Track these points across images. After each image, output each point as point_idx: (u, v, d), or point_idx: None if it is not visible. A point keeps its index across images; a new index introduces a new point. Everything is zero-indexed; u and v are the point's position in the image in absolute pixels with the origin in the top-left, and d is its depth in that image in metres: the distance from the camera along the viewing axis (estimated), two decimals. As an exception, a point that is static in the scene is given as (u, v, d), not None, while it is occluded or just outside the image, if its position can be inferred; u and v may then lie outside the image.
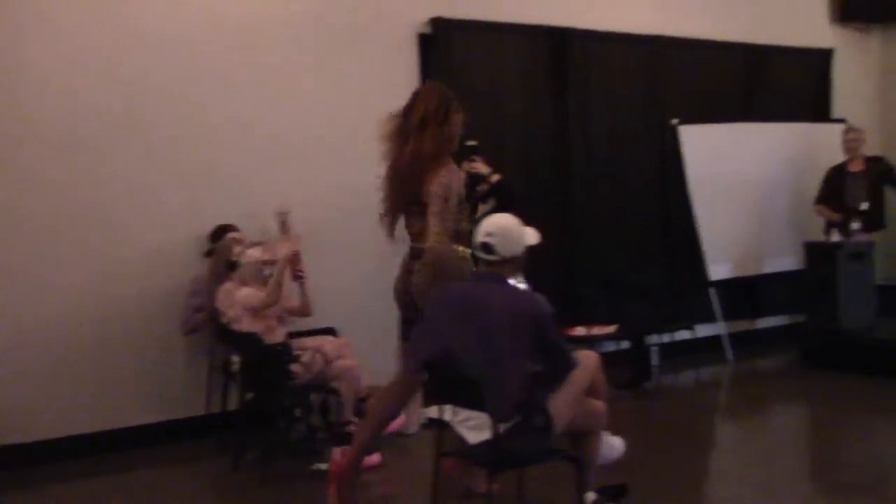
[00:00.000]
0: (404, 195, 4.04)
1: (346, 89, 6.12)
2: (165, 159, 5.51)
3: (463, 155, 5.98)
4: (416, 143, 3.97)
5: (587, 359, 3.57)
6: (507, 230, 3.44)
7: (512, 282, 3.70)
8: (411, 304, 4.04)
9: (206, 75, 5.64)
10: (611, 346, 6.84)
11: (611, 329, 6.45)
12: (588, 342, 6.47)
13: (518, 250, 3.43)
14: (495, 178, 5.92)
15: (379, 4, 6.26)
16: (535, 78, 6.88)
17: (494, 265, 3.45)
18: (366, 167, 6.21)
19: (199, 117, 5.62)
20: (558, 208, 6.94)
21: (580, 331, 6.36)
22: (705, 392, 6.78)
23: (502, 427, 3.27)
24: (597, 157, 7.12)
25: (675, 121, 7.36)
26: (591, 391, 3.57)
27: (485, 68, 6.62)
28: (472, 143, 5.99)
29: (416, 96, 4.12)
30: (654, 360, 6.69)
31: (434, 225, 3.88)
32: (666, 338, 6.91)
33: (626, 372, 6.59)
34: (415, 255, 4.08)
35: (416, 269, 4.00)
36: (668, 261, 7.45)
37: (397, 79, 6.29)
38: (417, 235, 4.08)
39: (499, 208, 4.94)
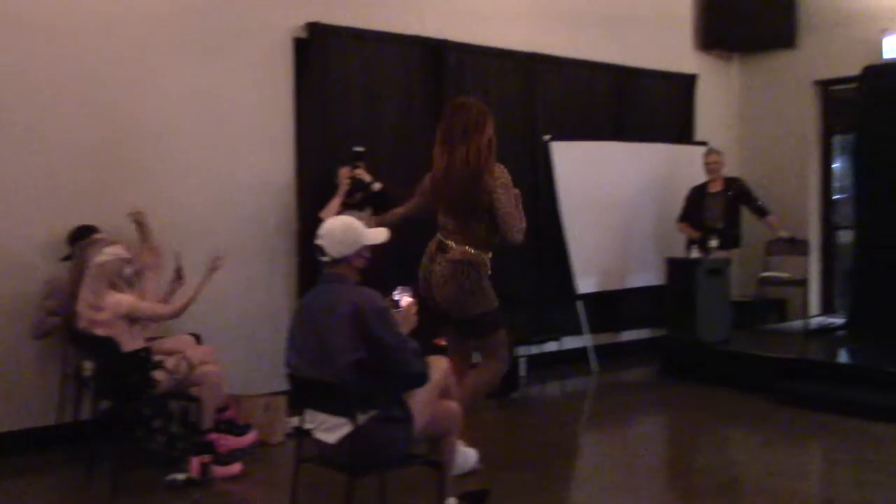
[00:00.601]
0: (455, 196, 4.45)
1: (220, 90, 5.99)
2: (19, 157, 5.24)
3: (347, 160, 5.97)
4: (464, 157, 4.40)
5: (439, 362, 3.65)
6: (332, 232, 3.51)
7: (398, 293, 3.78)
8: (429, 294, 4.48)
9: (70, 70, 5.40)
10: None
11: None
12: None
13: (347, 250, 3.47)
14: (377, 186, 5.93)
15: (256, 7, 6.16)
16: (411, 88, 6.90)
17: (328, 266, 3.51)
18: (240, 170, 6.17)
19: (59, 114, 5.37)
20: (431, 217, 6.95)
21: (449, 340, 6.37)
22: (570, 402, 6.92)
23: (360, 420, 3.28)
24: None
25: (547, 137, 7.53)
26: (444, 394, 3.65)
27: (361, 76, 6.60)
28: (359, 149, 5.98)
29: (454, 111, 4.53)
30: (522, 370, 6.80)
31: (512, 224, 4.38)
32: (534, 349, 7.03)
33: (495, 382, 6.67)
34: (442, 249, 4.49)
35: (440, 262, 4.45)
36: (537, 273, 7.59)
37: (272, 81, 6.23)
38: (451, 232, 4.50)
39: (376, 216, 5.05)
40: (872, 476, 4.63)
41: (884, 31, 8.02)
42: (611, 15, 8.15)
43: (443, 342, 6.32)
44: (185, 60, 5.86)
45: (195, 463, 4.57)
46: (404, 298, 3.93)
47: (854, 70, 7.93)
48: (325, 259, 3.50)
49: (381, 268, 4.03)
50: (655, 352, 7.63)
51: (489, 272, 4.53)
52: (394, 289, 4.01)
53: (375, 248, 3.60)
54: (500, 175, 4.43)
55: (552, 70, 7.70)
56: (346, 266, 3.50)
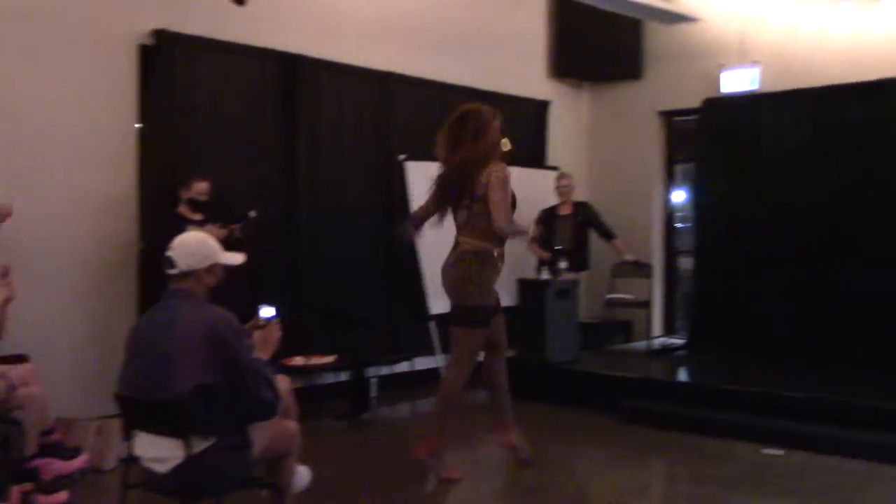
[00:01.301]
0: (456, 191, 4.81)
1: (62, 95, 5.65)
2: None
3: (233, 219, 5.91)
4: (468, 150, 4.80)
5: (279, 382, 3.49)
6: (185, 243, 3.35)
7: (263, 311, 3.55)
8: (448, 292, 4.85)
9: None
10: (330, 377, 6.77)
11: (330, 359, 6.38)
12: (307, 372, 6.37)
13: (198, 264, 3.29)
14: (253, 213, 5.92)
15: (101, 12, 5.86)
16: (263, 102, 6.75)
17: (176, 280, 3.30)
18: (79, 184, 5.82)
19: None
20: (283, 236, 6.81)
21: (298, 360, 6.23)
22: (421, 423, 6.84)
23: (196, 447, 3.09)
24: (323, 186, 7.08)
25: (402, 156, 7.50)
26: (283, 413, 3.52)
27: (210, 87, 6.40)
28: (252, 214, 5.95)
29: (464, 116, 4.92)
30: (373, 391, 6.71)
31: (499, 213, 4.70)
32: (385, 369, 6.95)
33: (345, 403, 6.55)
34: (455, 244, 4.85)
35: (450, 256, 4.84)
36: (390, 293, 7.53)
37: (113, 90, 5.93)
38: (461, 228, 4.86)
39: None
40: (708, 490, 4.78)
41: (721, 67, 8.46)
42: (467, 39, 8.24)
43: (295, 361, 6.18)
44: (14, 65, 5.49)
45: (15, 492, 4.23)
46: (267, 318, 3.65)
47: (695, 102, 8.33)
48: (173, 272, 3.28)
49: (235, 289, 3.89)
50: (509, 373, 7.66)
51: (498, 265, 4.91)
52: (254, 307, 3.76)
53: (230, 271, 3.43)
54: (498, 170, 4.79)
55: (408, 90, 7.70)
56: (196, 281, 3.29)
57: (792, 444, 5.55)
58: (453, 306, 4.90)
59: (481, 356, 5.17)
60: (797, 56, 8.05)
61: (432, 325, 7.53)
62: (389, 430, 6.48)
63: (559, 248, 7.60)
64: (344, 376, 6.74)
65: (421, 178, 7.52)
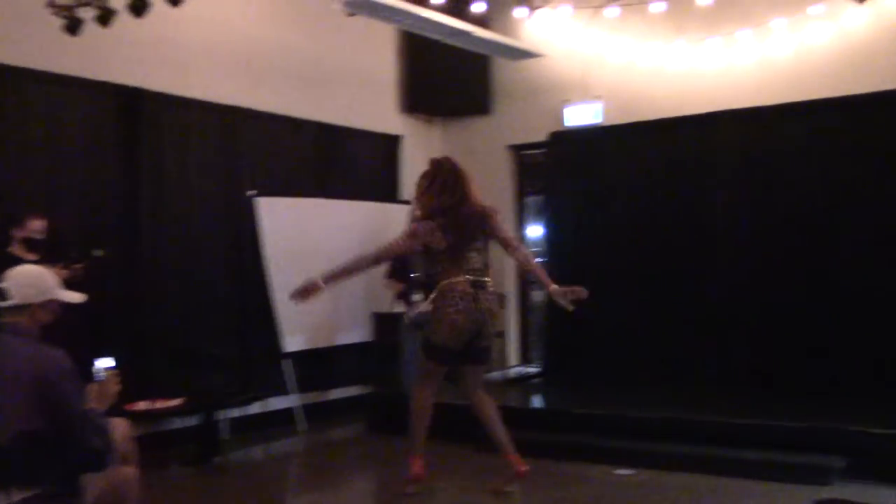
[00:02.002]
0: (474, 233, 5.03)
1: None
2: None
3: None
4: (472, 199, 5.04)
5: (117, 426, 3.28)
6: (21, 274, 3.13)
7: (100, 363, 3.28)
8: (480, 331, 5.01)
9: None
10: (178, 422, 6.47)
11: (176, 402, 6.09)
12: (152, 417, 6.07)
13: (34, 298, 3.07)
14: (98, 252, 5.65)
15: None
16: (103, 137, 6.48)
17: (7, 313, 3.06)
18: None
19: None
20: (125, 274, 6.51)
21: (143, 405, 5.92)
22: (276, 464, 6.65)
23: (15, 498, 2.84)
24: (169, 223, 6.84)
25: (251, 192, 7.34)
26: (120, 459, 3.30)
27: (45, 121, 6.09)
28: (98, 252, 5.63)
29: (454, 166, 5.16)
30: (225, 433, 6.45)
31: (524, 249, 5.27)
32: (237, 411, 6.70)
33: (194, 447, 6.27)
34: (479, 286, 4.98)
35: (487, 298, 5.00)
36: (242, 332, 7.31)
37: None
38: (481, 269, 5.03)
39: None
40: (562, 513, 4.82)
41: (566, 102, 8.74)
42: (316, 74, 8.19)
43: (138, 406, 5.87)
44: None
45: None
46: (105, 369, 3.36)
47: (542, 136, 8.56)
48: (4, 304, 3.03)
49: (74, 333, 3.65)
50: (364, 408, 7.58)
51: None
52: (94, 352, 3.47)
53: (68, 313, 3.20)
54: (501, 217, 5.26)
55: (257, 124, 7.57)
56: (29, 316, 3.05)
57: (643, 463, 5.68)
58: (487, 345, 5.18)
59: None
60: (635, 91, 8.41)
61: (287, 362, 7.36)
62: (242, 474, 6.24)
63: (415, 275, 7.60)
64: (193, 420, 6.46)
65: (272, 214, 7.41)
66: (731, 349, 7.19)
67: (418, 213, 5.32)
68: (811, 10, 7.56)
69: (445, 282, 4.98)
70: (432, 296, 5.10)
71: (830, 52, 7.56)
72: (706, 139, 7.48)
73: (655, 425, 6.05)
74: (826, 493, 4.83)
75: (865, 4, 7.22)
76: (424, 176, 5.16)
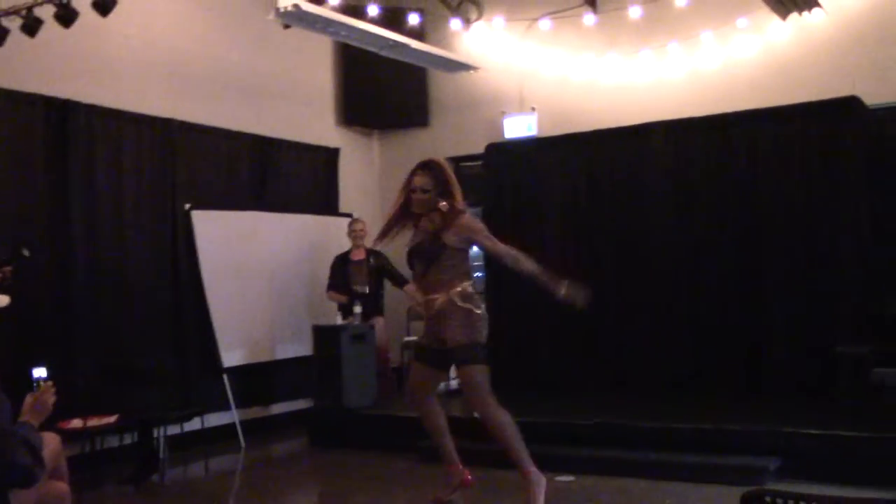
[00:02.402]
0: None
1: None
2: None
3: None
4: (451, 203, 4.72)
5: (48, 441, 3.20)
6: None
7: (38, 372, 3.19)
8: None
9: None
10: (114, 440, 6.34)
11: (111, 419, 5.96)
12: (86, 435, 5.93)
13: None
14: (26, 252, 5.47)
15: None
16: (30, 148, 6.32)
17: None
18: None
19: None
20: (56, 285, 6.36)
21: (76, 423, 5.78)
22: (217, 482, 6.55)
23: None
24: (102, 236, 6.72)
25: (187, 205, 7.25)
26: (53, 474, 3.22)
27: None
28: (26, 253, 5.45)
29: (435, 169, 4.77)
30: (162, 451, 6.34)
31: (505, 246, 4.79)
32: (175, 427, 6.59)
33: (131, 465, 6.14)
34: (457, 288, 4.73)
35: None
36: (179, 347, 7.20)
37: None
38: (467, 273, 4.83)
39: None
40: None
41: (504, 114, 8.83)
42: (252, 86, 8.15)
43: (72, 424, 5.73)
44: None
45: None
46: (40, 380, 3.26)
47: (480, 148, 8.61)
48: None
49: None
50: (307, 423, 7.52)
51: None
52: (22, 363, 3.36)
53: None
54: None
55: (191, 137, 7.49)
56: None
57: (582, 469, 5.74)
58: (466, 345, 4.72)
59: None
60: (570, 103, 8.54)
61: (226, 378, 7.27)
62: (181, 492, 6.12)
63: (358, 290, 7.60)
64: (130, 438, 6.33)
65: (209, 227, 7.33)
66: (665, 356, 7.30)
67: (449, 207, 4.77)
68: (739, 22, 7.79)
69: (468, 283, 4.77)
70: (458, 298, 4.69)
71: (757, 64, 7.79)
72: (639, 150, 7.61)
73: (593, 431, 6.12)
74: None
75: (788, 20, 7.47)
76: (442, 171, 4.78)
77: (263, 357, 7.73)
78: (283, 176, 8.38)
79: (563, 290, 4.74)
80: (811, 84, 7.31)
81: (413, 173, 4.80)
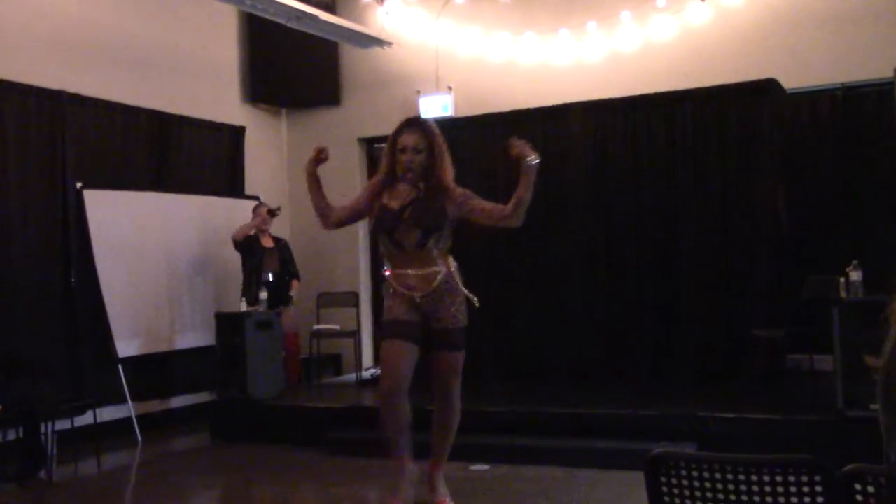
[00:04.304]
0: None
1: None
2: None
3: None
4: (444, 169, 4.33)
5: None
6: None
7: None
8: None
9: None
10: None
11: (-6, 412, 5.76)
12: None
13: None
14: None
15: None
16: None
17: None
18: None
19: None
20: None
21: (-46, 417, 5.57)
22: (110, 479, 6.38)
23: None
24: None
25: (79, 184, 7.04)
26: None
27: None
28: None
29: (425, 126, 4.37)
30: (51, 446, 6.14)
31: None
32: (65, 422, 6.39)
33: (16, 461, 5.94)
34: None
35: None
36: (70, 336, 6.98)
37: None
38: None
39: None
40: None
41: (419, 93, 8.82)
42: (152, 58, 7.95)
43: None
44: None
45: None
46: None
47: (393, 128, 8.56)
48: None
49: None
50: (209, 416, 7.40)
51: (390, 289, 4.48)
52: None
53: None
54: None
55: (84, 111, 7.27)
56: None
57: (498, 458, 5.79)
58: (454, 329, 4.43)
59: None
60: (487, 83, 8.59)
61: (121, 369, 7.10)
62: (71, 490, 5.95)
63: (267, 277, 7.54)
64: (15, 433, 6.12)
65: (102, 208, 7.13)
66: (580, 341, 7.43)
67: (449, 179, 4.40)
68: (659, 1, 7.95)
69: (451, 258, 4.47)
70: (453, 273, 4.43)
71: (676, 46, 7.97)
72: (557, 131, 7.71)
73: (509, 419, 6.19)
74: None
75: (707, 1, 7.66)
76: (433, 129, 4.41)
77: (162, 347, 7.58)
78: (184, 155, 8.21)
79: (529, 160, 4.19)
80: (729, 66, 7.52)
81: (399, 132, 4.36)
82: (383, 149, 4.45)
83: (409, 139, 4.31)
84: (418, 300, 4.34)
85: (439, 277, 4.35)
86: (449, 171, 4.38)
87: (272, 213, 7.81)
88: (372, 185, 4.52)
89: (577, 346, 7.47)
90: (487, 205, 4.37)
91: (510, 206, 4.27)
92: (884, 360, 1.88)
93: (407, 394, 4.47)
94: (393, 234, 4.33)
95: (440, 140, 4.37)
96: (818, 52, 7.45)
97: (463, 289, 4.46)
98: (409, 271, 4.36)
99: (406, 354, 4.39)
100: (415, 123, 4.42)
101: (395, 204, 4.33)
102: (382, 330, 4.54)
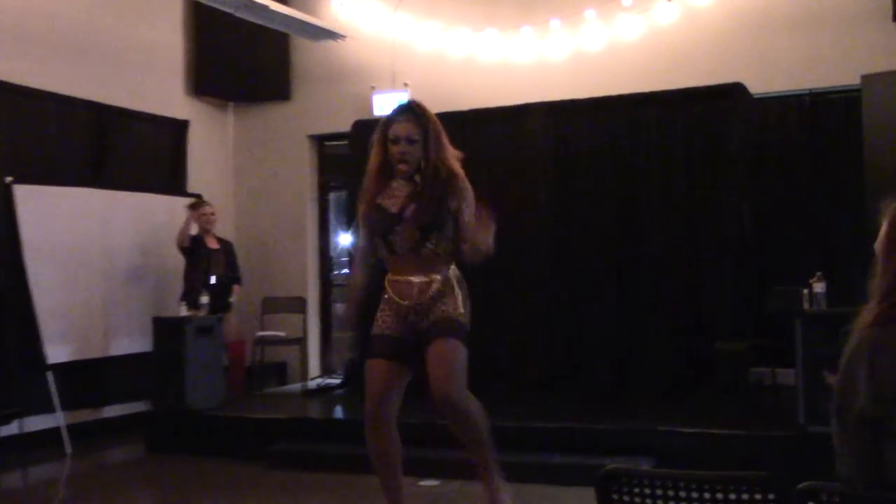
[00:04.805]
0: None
1: None
2: None
3: None
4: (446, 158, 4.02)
5: None
6: None
7: None
8: None
9: None
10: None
11: None
12: None
13: None
14: None
15: None
16: None
17: None
18: None
19: None
20: None
21: None
22: (35, 492, 6.30)
23: None
24: None
25: (8, 179, 6.94)
26: None
27: None
28: None
29: (420, 112, 4.00)
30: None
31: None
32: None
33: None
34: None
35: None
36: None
37: None
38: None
39: None
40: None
41: (373, 89, 8.82)
42: (90, 46, 7.86)
43: None
44: None
45: None
46: None
47: (346, 126, 8.57)
48: None
49: None
50: (144, 427, 7.32)
51: (385, 294, 4.08)
52: None
53: None
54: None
55: (15, 101, 7.18)
56: None
57: (449, 473, 5.78)
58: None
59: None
60: (446, 80, 8.61)
61: (50, 376, 6.99)
62: (-6, 503, 5.87)
63: (211, 280, 7.51)
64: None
65: (33, 204, 7.03)
66: (538, 351, 7.47)
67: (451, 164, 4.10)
68: (625, 0, 8.03)
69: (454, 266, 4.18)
70: (454, 277, 4.14)
71: (642, 47, 8.06)
72: (518, 132, 7.76)
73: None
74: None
75: (673, 1, 7.76)
76: (429, 115, 4.07)
77: (95, 353, 7.49)
78: (123, 149, 8.13)
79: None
80: (696, 69, 7.62)
81: (391, 121, 4.02)
82: (371, 142, 4.05)
83: (401, 128, 3.96)
84: (406, 309, 4.01)
85: (435, 286, 4.02)
86: (450, 156, 4.04)
87: (194, 206, 7.76)
88: (366, 192, 4.08)
89: (536, 357, 7.51)
90: (467, 234, 4.03)
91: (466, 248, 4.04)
92: (838, 376, 1.93)
93: (393, 421, 4.18)
94: (388, 237, 3.99)
95: (436, 126, 4.03)
96: (786, 57, 7.59)
97: (461, 292, 4.13)
98: (405, 278, 4.02)
99: (387, 374, 4.07)
100: (407, 110, 4.06)
101: (389, 203, 3.99)
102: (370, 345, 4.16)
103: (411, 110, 4.04)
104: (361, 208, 4.10)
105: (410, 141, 3.94)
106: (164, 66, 8.76)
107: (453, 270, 4.13)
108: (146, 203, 8.10)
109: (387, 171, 4.02)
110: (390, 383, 4.08)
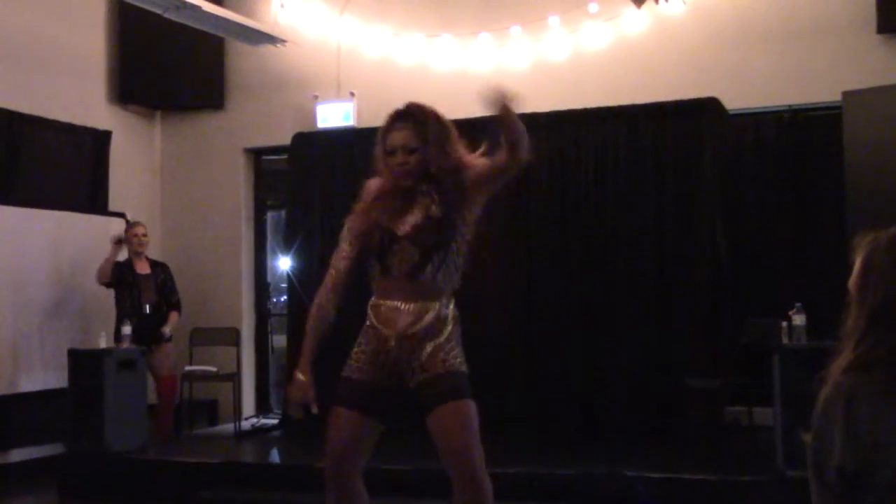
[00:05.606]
0: None
1: None
2: None
3: None
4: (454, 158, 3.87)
5: None
6: None
7: None
8: None
9: None
10: None
11: None
12: None
13: None
14: None
15: None
16: None
17: None
18: None
19: None
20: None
21: None
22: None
23: None
24: None
25: None
26: None
27: None
28: None
29: (418, 115, 3.79)
30: None
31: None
32: None
33: None
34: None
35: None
36: None
37: None
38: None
39: None
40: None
41: (316, 99, 8.83)
42: (1, 47, 7.78)
43: None
44: None
45: None
46: None
47: (287, 138, 8.57)
48: None
49: None
50: (57, 471, 7.22)
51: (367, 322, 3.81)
52: None
53: None
54: None
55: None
56: None
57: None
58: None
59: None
60: (396, 90, 8.59)
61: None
62: None
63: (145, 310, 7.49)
64: None
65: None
66: (496, 389, 7.46)
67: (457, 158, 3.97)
68: (591, 7, 8.13)
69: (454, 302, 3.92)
70: (452, 317, 3.88)
71: (609, 57, 8.15)
72: (474, 147, 7.78)
73: (415, 479, 6.18)
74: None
75: (644, 8, 7.87)
76: (429, 115, 3.90)
77: (2, 389, 7.41)
78: (36, 162, 8.06)
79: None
80: (667, 82, 7.72)
81: (387, 130, 3.80)
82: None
83: (397, 137, 3.76)
84: (391, 344, 3.73)
85: (428, 316, 3.74)
86: (454, 151, 3.88)
87: (120, 241, 7.68)
88: (369, 208, 3.86)
89: (491, 393, 7.51)
90: (485, 165, 3.92)
91: (505, 155, 3.88)
92: (812, 431, 1.95)
93: (358, 477, 3.86)
94: (384, 257, 3.76)
95: (440, 128, 3.85)
96: (764, 71, 7.71)
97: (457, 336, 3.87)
98: (393, 303, 3.75)
99: (354, 428, 3.77)
100: (403, 116, 3.83)
101: (390, 220, 3.78)
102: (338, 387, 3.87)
103: (408, 115, 3.82)
104: (357, 223, 3.85)
105: (408, 151, 3.75)
106: (83, 70, 8.69)
107: (452, 309, 3.86)
108: (62, 221, 8.03)
109: (393, 187, 3.81)
110: (357, 439, 3.78)
